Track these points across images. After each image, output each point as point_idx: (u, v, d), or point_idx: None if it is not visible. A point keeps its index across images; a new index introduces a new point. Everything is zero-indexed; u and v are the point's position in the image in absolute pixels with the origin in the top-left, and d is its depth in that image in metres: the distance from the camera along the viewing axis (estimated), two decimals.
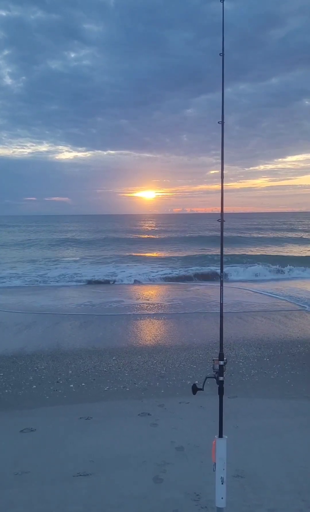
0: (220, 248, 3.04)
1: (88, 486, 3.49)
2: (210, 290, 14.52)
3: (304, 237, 41.47)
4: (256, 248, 30.31)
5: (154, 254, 26.68)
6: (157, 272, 18.39)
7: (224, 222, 2.92)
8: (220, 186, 2.94)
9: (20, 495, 3.39)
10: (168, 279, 17.03)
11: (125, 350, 7.68)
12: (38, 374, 6.48)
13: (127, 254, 27.27)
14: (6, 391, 5.86)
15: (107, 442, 4.34)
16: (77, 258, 25.77)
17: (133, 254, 27.08)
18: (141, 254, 26.81)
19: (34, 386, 6.00)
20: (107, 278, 17.06)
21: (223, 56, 2.96)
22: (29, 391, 5.84)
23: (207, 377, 2.64)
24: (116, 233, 49.73)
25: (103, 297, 13.29)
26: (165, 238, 41.50)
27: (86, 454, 4.05)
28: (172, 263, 21.75)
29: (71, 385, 6.03)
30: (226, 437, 2.58)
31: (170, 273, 18.01)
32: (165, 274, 17.82)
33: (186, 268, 19.28)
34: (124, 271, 18.68)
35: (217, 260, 20.69)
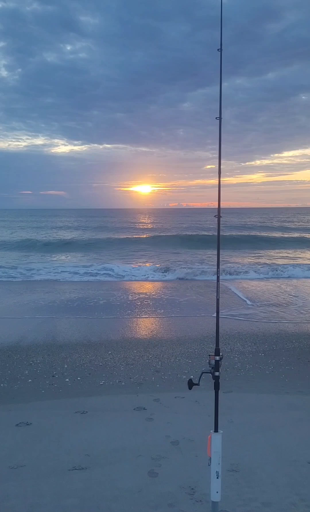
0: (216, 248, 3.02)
1: (84, 479, 3.51)
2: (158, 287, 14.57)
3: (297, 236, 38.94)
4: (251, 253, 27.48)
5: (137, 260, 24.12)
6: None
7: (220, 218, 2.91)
8: (217, 181, 2.93)
9: (16, 488, 3.40)
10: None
11: (121, 345, 7.69)
12: (34, 368, 6.48)
13: (106, 255, 25.80)
14: (2, 385, 5.86)
15: (102, 436, 4.36)
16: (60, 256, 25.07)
17: (110, 256, 25.44)
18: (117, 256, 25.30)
19: (30, 380, 6.01)
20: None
21: (221, 51, 2.93)
22: (25, 385, 5.85)
23: (203, 372, 2.65)
24: (106, 232, 47.24)
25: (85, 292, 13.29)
26: (154, 237, 38.19)
27: (81, 448, 4.07)
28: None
29: (67, 379, 6.04)
30: (221, 432, 2.60)
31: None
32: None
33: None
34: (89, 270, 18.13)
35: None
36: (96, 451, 4.00)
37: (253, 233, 42.52)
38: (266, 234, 40.62)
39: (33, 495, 3.30)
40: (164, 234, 41.51)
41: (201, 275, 16.56)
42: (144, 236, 40.77)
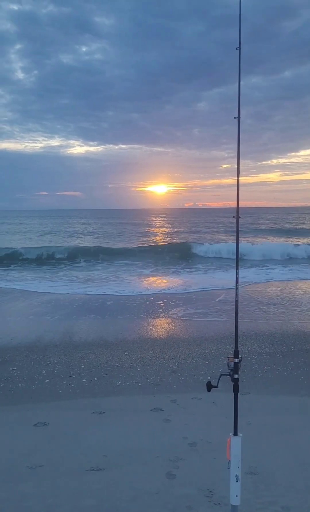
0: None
1: (101, 480, 3.51)
2: None
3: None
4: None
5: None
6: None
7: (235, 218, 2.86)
8: (234, 181, 2.90)
9: (34, 488, 3.41)
10: None
11: (137, 345, 7.68)
12: (51, 368, 6.52)
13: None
14: (20, 385, 5.90)
15: (120, 437, 4.36)
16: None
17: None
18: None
19: (47, 380, 6.04)
20: None
21: (239, 50, 2.88)
22: (42, 385, 5.88)
23: (221, 375, 2.62)
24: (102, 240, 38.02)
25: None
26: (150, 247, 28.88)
27: (99, 448, 4.07)
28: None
29: (84, 380, 6.06)
30: (241, 435, 2.57)
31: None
32: None
33: None
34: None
35: None
36: (113, 452, 4.00)
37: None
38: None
39: (51, 495, 3.31)
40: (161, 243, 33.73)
41: None
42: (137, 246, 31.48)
